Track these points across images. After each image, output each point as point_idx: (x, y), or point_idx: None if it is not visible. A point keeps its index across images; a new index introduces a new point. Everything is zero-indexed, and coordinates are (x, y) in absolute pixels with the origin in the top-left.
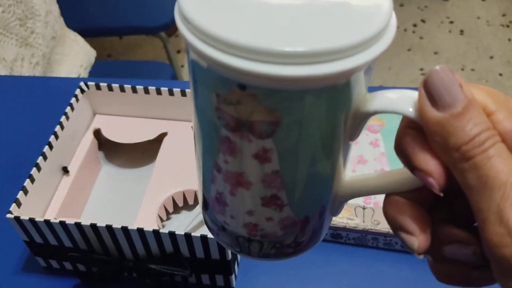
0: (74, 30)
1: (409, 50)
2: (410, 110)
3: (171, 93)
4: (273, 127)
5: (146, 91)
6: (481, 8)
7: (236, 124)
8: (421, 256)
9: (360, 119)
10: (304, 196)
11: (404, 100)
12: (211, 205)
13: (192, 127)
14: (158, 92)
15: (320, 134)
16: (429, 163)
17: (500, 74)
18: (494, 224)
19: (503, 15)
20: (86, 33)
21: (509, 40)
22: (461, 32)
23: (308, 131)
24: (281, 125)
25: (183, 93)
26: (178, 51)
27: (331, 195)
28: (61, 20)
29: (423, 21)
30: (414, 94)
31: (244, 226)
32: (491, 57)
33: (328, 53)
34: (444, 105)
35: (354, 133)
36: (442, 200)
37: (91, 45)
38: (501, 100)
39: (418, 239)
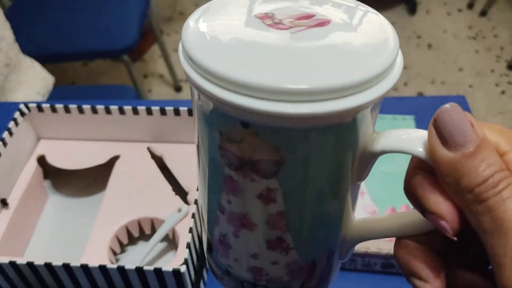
0: (33, 56)
1: None
2: (420, 150)
3: (121, 111)
4: (277, 166)
5: (94, 110)
6: (447, 21)
7: (239, 163)
8: None
9: (367, 159)
10: (311, 239)
11: (413, 140)
12: (215, 247)
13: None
14: (108, 111)
15: (326, 174)
16: (441, 206)
17: (470, 86)
18: (510, 270)
19: (469, 27)
20: (46, 59)
21: (477, 52)
22: (429, 46)
23: (313, 171)
24: (286, 164)
25: (135, 111)
26: (145, 76)
27: (339, 238)
28: (16, 46)
29: None
30: (424, 133)
31: (249, 270)
32: (460, 70)
33: (333, 90)
34: (455, 144)
35: (362, 173)
36: (456, 243)
37: (54, 72)
38: None
39: (432, 286)
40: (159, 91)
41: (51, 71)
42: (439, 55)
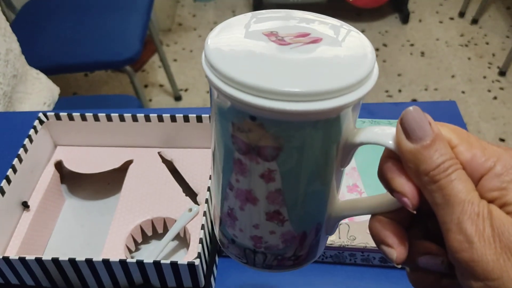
0: (37, 68)
1: None
2: (390, 143)
3: (134, 119)
4: (277, 152)
5: (109, 118)
6: (439, 30)
7: (247, 148)
8: (399, 266)
9: (349, 149)
10: (302, 213)
11: (385, 134)
12: (223, 220)
13: (212, 152)
14: (121, 118)
15: (315, 159)
16: (405, 186)
17: (463, 92)
18: (455, 233)
19: (461, 35)
20: (51, 71)
21: (469, 59)
22: (422, 53)
23: (305, 156)
24: (284, 150)
25: (147, 118)
26: (145, 86)
27: (326, 213)
28: (22, 58)
29: (385, 45)
30: (393, 130)
31: (251, 239)
32: (453, 76)
33: (321, 93)
34: (416, 138)
35: (345, 161)
36: (418, 220)
37: (56, 83)
38: (463, 136)
39: (396, 251)
40: (159, 100)
41: (53, 81)
42: (432, 63)
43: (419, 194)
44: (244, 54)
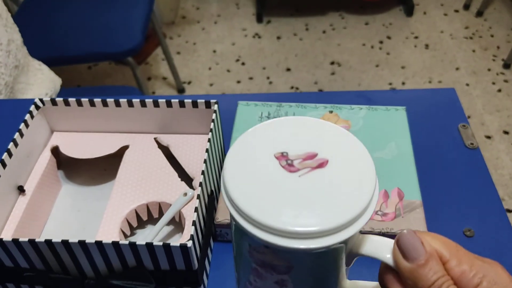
0: (40, 59)
1: (377, 66)
2: (388, 257)
3: (130, 104)
4: (289, 269)
5: (105, 103)
6: (444, 22)
7: (263, 263)
8: None
9: (353, 256)
10: None
11: (384, 249)
12: None
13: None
14: (117, 104)
15: (324, 271)
16: None
17: (467, 85)
18: None
19: (466, 27)
20: (53, 62)
21: (474, 51)
22: (426, 46)
23: (314, 271)
24: (295, 268)
25: (143, 104)
26: (149, 78)
27: None
28: (24, 49)
29: (388, 37)
30: (391, 243)
31: None
32: (457, 69)
33: (329, 230)
34: (412, 258)
35: (349, 262)
36: None
37: (60, 75)
38: (453, 249)
39: None
40: (163, 93)
41: (57, 74)
42: (436, 55)
43: None
44: (259, 189)
